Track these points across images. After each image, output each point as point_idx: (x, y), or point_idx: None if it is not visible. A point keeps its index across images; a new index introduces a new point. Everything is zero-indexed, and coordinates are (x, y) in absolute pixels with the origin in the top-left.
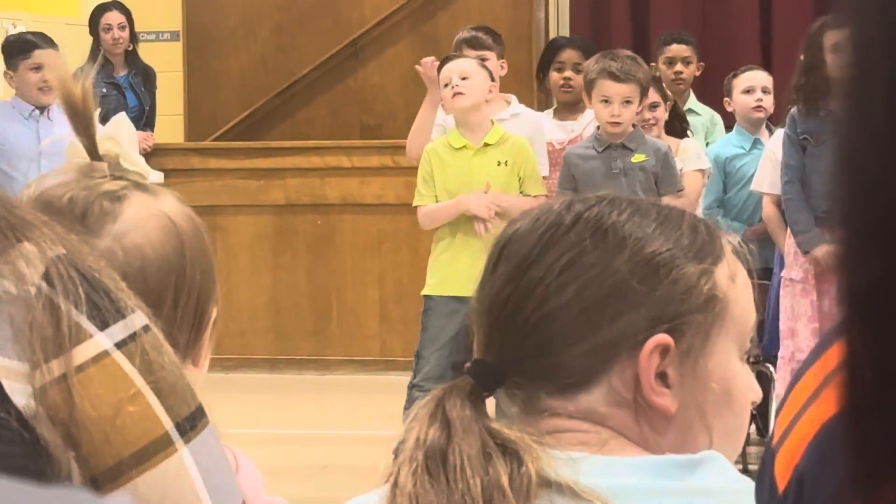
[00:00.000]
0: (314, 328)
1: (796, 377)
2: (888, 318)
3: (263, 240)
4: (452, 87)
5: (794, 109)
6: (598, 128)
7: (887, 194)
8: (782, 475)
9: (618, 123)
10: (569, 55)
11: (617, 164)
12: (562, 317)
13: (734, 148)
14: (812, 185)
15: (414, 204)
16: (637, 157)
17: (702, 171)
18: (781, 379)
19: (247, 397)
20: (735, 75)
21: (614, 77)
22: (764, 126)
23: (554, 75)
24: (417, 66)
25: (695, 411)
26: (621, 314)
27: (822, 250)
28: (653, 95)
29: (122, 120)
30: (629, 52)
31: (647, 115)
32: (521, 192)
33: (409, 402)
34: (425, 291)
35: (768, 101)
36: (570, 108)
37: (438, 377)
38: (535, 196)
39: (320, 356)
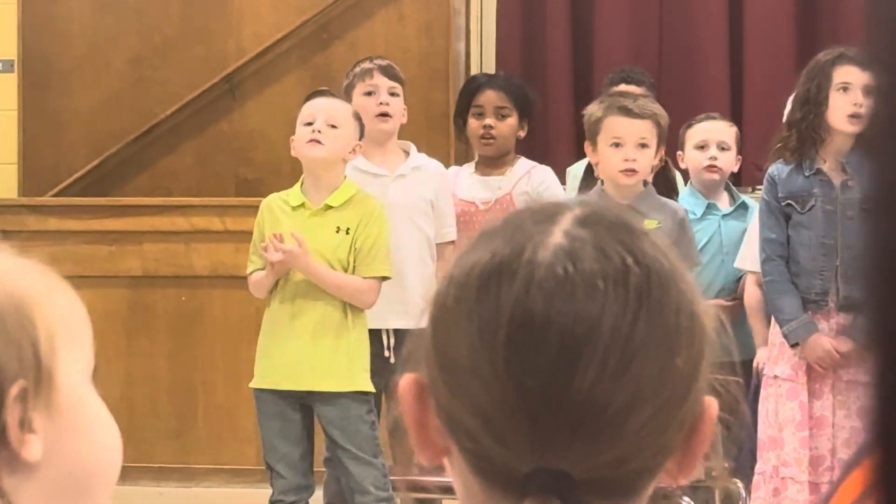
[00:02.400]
0: (177, 429)
1: (860, 456)
2: None
3: (115, 319)
4: (313, 131)
5: (773, 168)
6: (602, 183)
7: None
8: None
9: (633, 171)
10: (488, 97)
11: None
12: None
13: None
14: (800, 262)
15: (247, 272)
16: (648, 223)
17: None
18: (761, 500)
19: None
20: (689, 125)
21: (627, 112)
22: (723, 188)
23: (472, 122)
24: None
25: None
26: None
27: (816, 341)
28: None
29: None
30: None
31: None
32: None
33: None
34: (252, 384)
35: (725, 160)
36: (493, 161)
37: (298, 487)
38: (364, 278)
39: (184, 464)
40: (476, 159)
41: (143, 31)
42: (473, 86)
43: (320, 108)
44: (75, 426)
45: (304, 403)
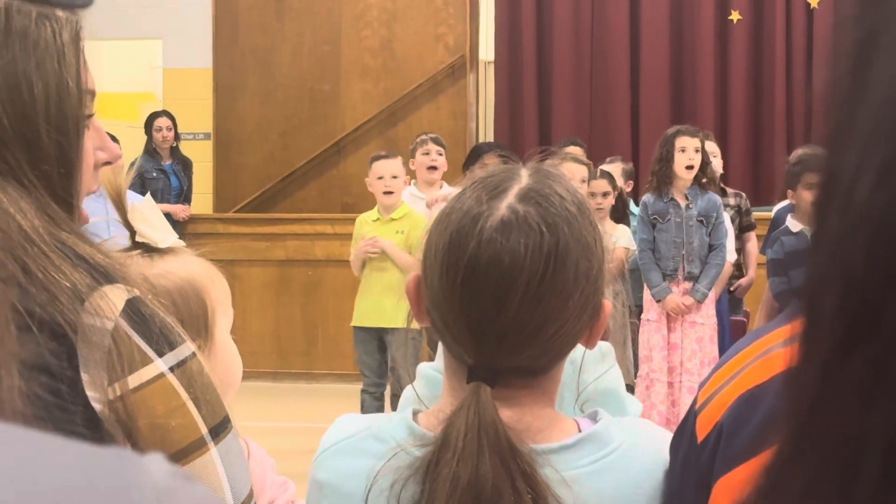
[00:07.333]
0: (305, 350)
1: (722, 361)
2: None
3: (269, 286)
4: (385, 185)
5: (645, 197)
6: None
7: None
8: (703, 429)
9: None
10: (491, 160)
11: None
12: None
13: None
14: (661, 251)
15: (350, 258)
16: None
17: (627, 249)
18: (639, 393)
19: (255, 400)
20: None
21: (576, 160)
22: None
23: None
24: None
25: None
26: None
27: (671, 299)
28: (605, 186)
29: (143, 202)
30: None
31: (600, 200)
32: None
33: (362, 403)
34: (352, 323)
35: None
36: None
37: (377, 384)
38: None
39: (310, 370)
40: None
41: (287, 116)
42: (479, 150)
43: (387, 168)
44: (220, 362)
45: (379, 336)
